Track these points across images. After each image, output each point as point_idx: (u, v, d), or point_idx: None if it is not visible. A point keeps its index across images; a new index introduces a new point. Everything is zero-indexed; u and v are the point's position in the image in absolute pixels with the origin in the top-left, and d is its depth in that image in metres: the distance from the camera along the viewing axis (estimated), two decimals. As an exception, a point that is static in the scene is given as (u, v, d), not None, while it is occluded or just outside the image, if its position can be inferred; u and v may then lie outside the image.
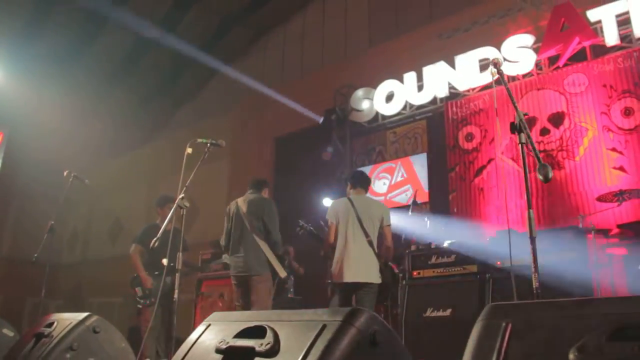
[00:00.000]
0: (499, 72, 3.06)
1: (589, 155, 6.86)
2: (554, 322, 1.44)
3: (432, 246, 5.97)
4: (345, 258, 5.10)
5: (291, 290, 7.46)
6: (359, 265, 5.04)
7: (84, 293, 13.42)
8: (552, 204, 6.90)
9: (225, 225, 5.64)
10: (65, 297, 13.16)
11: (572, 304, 1.49)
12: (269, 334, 1.82)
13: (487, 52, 7.89)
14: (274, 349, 1.76)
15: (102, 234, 14.35)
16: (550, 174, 2.49)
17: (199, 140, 4.26)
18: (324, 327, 1.71)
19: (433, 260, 5.65)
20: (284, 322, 1.87)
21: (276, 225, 5.46)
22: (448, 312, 5.25)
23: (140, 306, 6.08)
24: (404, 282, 5.81)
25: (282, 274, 5.44)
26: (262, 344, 1.79)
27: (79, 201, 13.17)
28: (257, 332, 1.87)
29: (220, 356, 1.92)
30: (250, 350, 1.80)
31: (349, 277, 5.03)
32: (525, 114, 2.70)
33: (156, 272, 6.01)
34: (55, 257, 12.82)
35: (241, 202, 5.57)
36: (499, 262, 5.27)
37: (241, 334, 1.94)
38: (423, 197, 8.26)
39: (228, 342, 1.93)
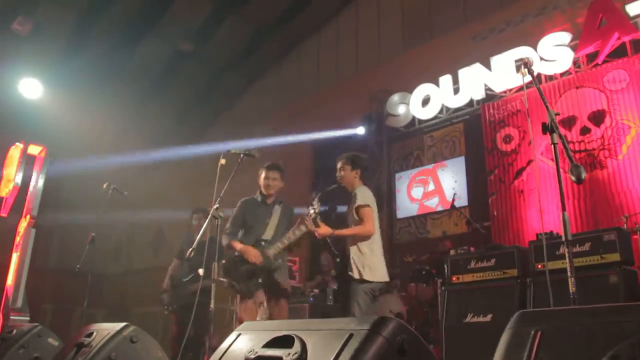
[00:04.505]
0: (530, 71, 3.00)
1: (633, 154, 6.66)
2: (585, 330, 1.39)
3: (471, 250, 5.89)
4: (382, 253, 4.74)
5: (330, 297, 7.45)
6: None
7: (128, 303, 13.67)
8: (595, 204, 6.72)
9: None
10: (111, 307, 13.41)
11: (605, 310, 1.42)
12: (297, 343, 1.81)
13: (523, 52, 7.76)
14: (301, 359, 1.75)
15: (145, 245, 14.60)
16: (583, 175, 2.42)
17: (232, 151, 4.30)
18: (350, 336, 1.70)
19: (472, 264, 5.56)
20: (312, 331, 1.86)
21: None
22: (489, 317, 5.16)
23: (166, 312, 6.38)
24: (443, 288, 5.75)
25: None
26: (289, 354, 1.78)
27: (122, 213, 13.42)
28: (285, 341, 1.87)
29: (249, 366, 1.93)
30: (278, 360, 1.80)
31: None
32: (557, 114, 2.64)
33: (184, 279, 6.26)
34: (100, 267, 13.13)
35: None
36: (539, 266, 5.15)
37: (270, 344, 1.94)
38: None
39: (257, 352, 1.93)
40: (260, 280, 4.71)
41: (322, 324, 1.91)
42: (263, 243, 4.85)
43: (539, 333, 1.45)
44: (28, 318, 6.09)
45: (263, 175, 5.16)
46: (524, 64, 3.04)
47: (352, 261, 4.55)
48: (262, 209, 5.12)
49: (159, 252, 13.91)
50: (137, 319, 12.26)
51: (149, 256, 14.20)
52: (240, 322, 4.38)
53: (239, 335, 2.17)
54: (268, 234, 4.96)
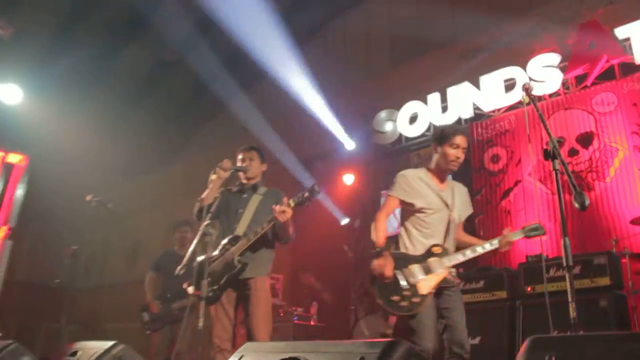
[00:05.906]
0: (530, 97, 3.04)
1: (620, 176, 6.67)
2: (597, 356, 1.42)
3: (460, 271, 5.83)
4: None
5: (314, 316, 7.34)
6: None
7: (100, 318, 13.27)
8: (583, 227, 6.69)
9: None
10: (80, 323, 12.97)
11: (616, 337, 1.51)
12: (304, 366, 1.73)
13: (513, 72, 7.78)
14: (310, 383, 1.67)
15: (119, 258, 14.27)
16: (587, 202, 2.50)
17: None
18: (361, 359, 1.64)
19: (461, 286, 5.50)
20: (319, 353, 1.79)
21: None
22: (477, 340, 5.11)
23: (148, 332, 6.20)
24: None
25: None
26: (296, 378, 1.70)
27: (96, 225, 13.08)
28: (291, 364, 1.80)
29: (251, 390, 1.84)
30: (285, 384, 1.72)
31: None
32: (559, 140, 2.67)
33: (168, 296, 6.16)
34: (72, 281, 12.77)
35: None
36: (529, 288, 5.12)
37: (275, 367, 1.86)
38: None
39: (260, 376, 1.84)
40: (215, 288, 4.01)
41: (329, 346, 1.84)
42: (233, 241, 4.10)
43: (553, 358, 1.48)
44: (0, 334, 5.90)
45: (239, 158, 4.41)
46: (524, 89, 3.07)
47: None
48: (236, 197, 4.39)
49: (135, 266, 13.57)
50: (108, 335, 11.94)
51: (123, 270, 13.86)
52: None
53: (241, 357, 2.09)
54: (241, 228, 4.17)
